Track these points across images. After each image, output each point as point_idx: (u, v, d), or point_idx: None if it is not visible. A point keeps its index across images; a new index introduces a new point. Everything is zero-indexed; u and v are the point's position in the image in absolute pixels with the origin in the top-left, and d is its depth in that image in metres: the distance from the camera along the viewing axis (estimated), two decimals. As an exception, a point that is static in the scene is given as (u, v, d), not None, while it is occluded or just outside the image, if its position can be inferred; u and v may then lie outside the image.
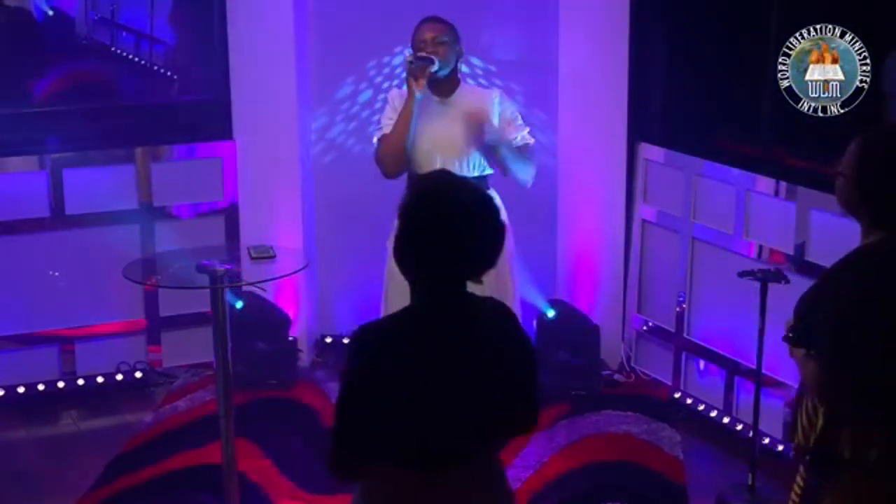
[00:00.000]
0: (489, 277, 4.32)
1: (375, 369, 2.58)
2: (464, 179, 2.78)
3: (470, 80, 5.64)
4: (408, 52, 4.41)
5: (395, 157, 4.32)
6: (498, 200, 4.31)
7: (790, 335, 2.92)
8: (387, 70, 5.79)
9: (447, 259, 2.60)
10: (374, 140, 4.46)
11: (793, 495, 3.06)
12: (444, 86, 4.37)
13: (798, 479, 3.05)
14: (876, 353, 2.71)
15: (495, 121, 4.34)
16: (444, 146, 4.30)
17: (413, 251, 2.63)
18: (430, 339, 2.62)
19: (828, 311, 2.78)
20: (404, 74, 4.36)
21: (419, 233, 2.61)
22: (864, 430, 2.79)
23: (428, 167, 4.24)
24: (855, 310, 2.73)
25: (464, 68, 5.61)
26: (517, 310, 4.48)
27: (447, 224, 2.58)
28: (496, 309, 2.76)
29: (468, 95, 4.43)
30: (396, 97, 4.42)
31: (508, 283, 4.43)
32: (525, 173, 4.40)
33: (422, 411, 2.57)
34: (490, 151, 4.30)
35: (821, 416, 2.86)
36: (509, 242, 4.46)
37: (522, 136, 4.42)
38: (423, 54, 4.28)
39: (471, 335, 2.65)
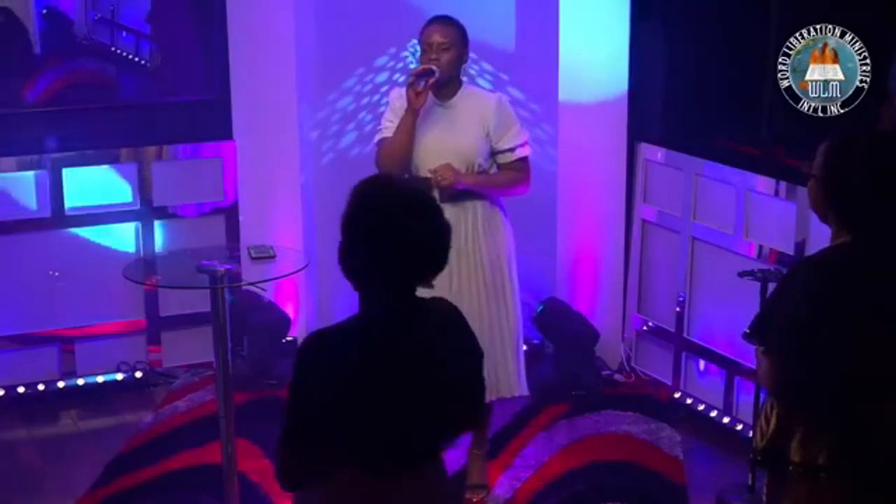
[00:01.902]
0: (491, 278, 4.35)
1: (324, 377, 2.57)
2: (404, 184, 2.77)
3: (479, 81, 5.65)
4: (411, 64, 4.36)
5: (393, 164, 4.28)
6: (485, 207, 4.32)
7: (747, 331, 2.95)
8: (387, 70, 5.78)
9: (389, 266, 2.59)
10: (375, 141, 4.45)
11: (763, 496, 3.09)
12: (446, 89, 4.35)
13: (766, 482, 3.07)
14: (823, 355, 2.73)
15: (491, 127, 4.31)
16: (444, 150, 4.28)
17: (355, 260, 2.63)
18: (378, 346, 2.61)
19: (783, 309, 2.80)
20: (407, 80, 4.31)
21: (360, 241, 2.61)
22: (813, 432, 2.80)
23: (423, 170, 4.25)
24: (805, 310, 2.75)
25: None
26: (518, 309, 4.49)
27: (386, 231, 2.57)
28: (445, 311, 2.75)
29: (469, 99, 4.39)
30: (397, 98, 4.39)
31: (507, 284, 4.43)
32: (514, 191, 4.42)
33: (371, 418, 2.57)
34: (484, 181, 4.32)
35: (774, 417, 2.87)
36: (510, 243, 4.46)
37: (514, 150, 4.36)
38: (424, 67, 4.24)
39: (418, 340, 2.64)
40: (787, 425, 2.83)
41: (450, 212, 2.76)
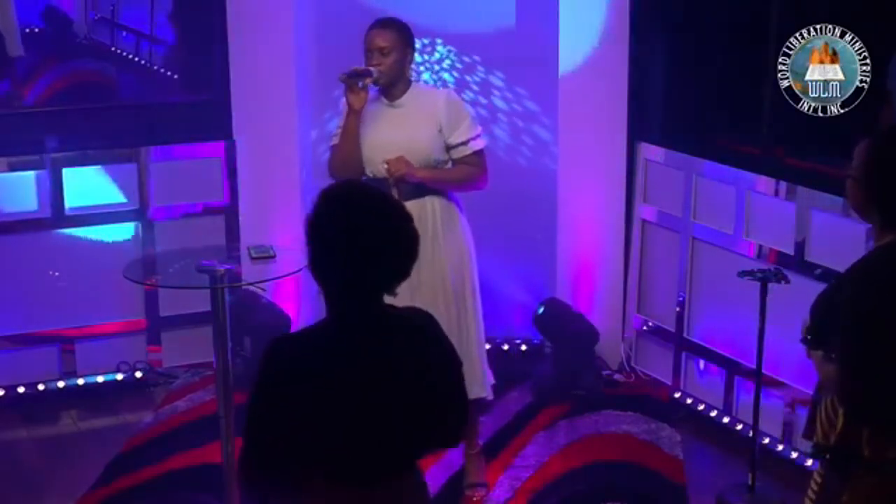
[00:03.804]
0: (451, 277, 4.27)
1: (287, 382, 2.54)
2: (371, 189, 2.71)
3: (479, 81, 5.64)
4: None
5: (346, 168, 4.27)
6: (445, 209, 4.30)
7: (808, 337, 2.92)
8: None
9: (354, 272, 2.54)
10: (327, 147, 4.44)
11: (809, 492, 3.07)
12: (393, 89, 4.33)
13: (816, 476, 3.06)
14: (888, 357, 2.71)
15: (443, 122, 4.29)
16: (392, 150, 4.24)
17: (320, 265, 2.57)
18: (343, 353, 2.56)
19: (845, 313, 2.78)
20: (341, 80, 4.27)
21: (324, 247, 2.55)
22: (883, 431, 2.79)
23: (380, 172, 4.23)
24: (871, 313, 2.73)
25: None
26: (479, 309, 4.44)
27: (351, 237, 2.52)
28: (416, 318, 2.69)
29: (417, 98, 4.36)
30: (345, 105, 4.37)
31: (468, 282, 4.39)
32: (469, 186, 4.39)
33: (335, 426, 2.53)
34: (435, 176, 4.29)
35: (840, 415, 2.86)
36: (469, 240, 4.42)
37: (468, 143, 4.33)
38: (359, 68, 4.23)
39: (386, 348, 2.59)
40: (856, 424, 2.83)
41: (408, 208, 2.70)
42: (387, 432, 2.57)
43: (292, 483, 2.60)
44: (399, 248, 2.58)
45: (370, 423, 2.55)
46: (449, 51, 5.72)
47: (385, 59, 4.26)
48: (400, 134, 4.27)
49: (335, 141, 4.37)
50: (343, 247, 2.52)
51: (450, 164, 4.37)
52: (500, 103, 5.77)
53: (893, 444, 2.78)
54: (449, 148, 4.33)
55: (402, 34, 4.32)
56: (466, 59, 5.73)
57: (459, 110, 4.37)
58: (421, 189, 4.26)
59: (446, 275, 4.30)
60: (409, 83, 4.38)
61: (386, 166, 4.20)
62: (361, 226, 2.53)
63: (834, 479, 2.95)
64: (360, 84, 4.24)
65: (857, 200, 2.90)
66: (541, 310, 5.70)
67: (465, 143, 4.34)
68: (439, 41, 5.71)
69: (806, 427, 3.05)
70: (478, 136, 4.38)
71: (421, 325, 2.68)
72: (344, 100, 4.37)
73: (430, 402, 2.61)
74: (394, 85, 4.32)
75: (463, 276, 4.37)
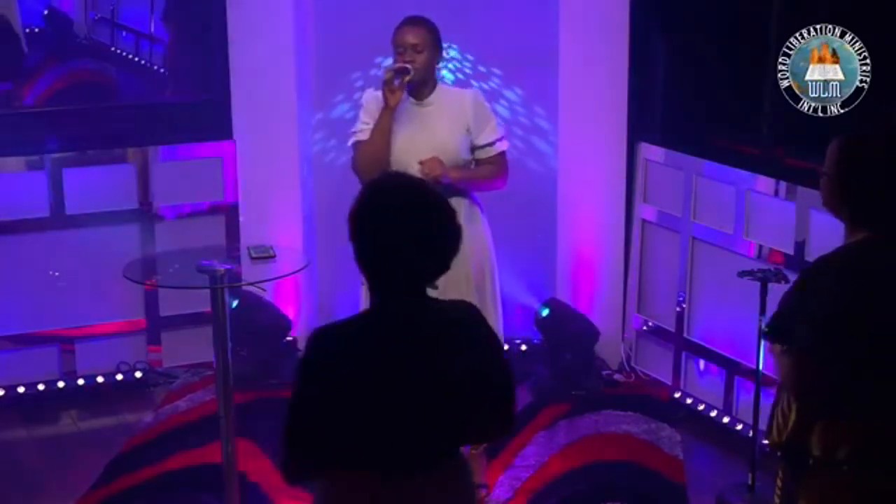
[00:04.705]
0: (469, 289, 4.29)
1: (331, 372, 2.56)
2: (417, 182, 2.74)
3: (478, 81, 5.65)
4: (386, 63, 4.34)
5: (373, 165, 4.25)
6: (467, 207, 4.31)
7: (765, 330, 2.95)
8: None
9: (400, 264, 2.57)
10: (350, 144, 4.44)
11: (777, 490, 3.09)
12: (421, 89, 4.34)
13: (777, 478, 3.08)
14: (850, 352, 2.74)
15: (470, 123, 4.31)
16: (420, 150, 4.26)
17: (363, 255, 2.61)
18: (385, 342, 2.59)
19: (806, 308, 2.80)
20: (383, 78, 4.28)
21: (371, 238, 2.58)
22: (834, 428, 2.81)
23: (404, 170, 4.23)
24: (829, 309, 2.75)
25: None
26: (499, 321, 4.47)
27: (398, 229, 2.55)
28: (461, 311, 2.72)
29: (445, 98, 4.38)
30: (372, 101, 4.37)
31: (488, 277, 4.40)
32: (493, 186, 4.42)
33: (376, 415, 2.55)
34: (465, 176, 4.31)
35: (793, 413, 2.87)
36: (489, 237, 4.43)
37: (494, 144, 4.37)
38: (398, 66, 4.24)
39: (429, 339, 2.62)
40: (807, 420, 2.84)
41: None
42: (427, 422, 2.59)
43: (334, 472, 2.62)
44: (444, 241, 2.62)
45: (405, 413, 2.57)
46: (449, 49, 5.71)
47: (417, 57, 4.26)
48: (428, 134, 4.29)
49: (360, 137, 4.36)
50: (390, 238, 2.56)
51: (473, 165, 4.39)
52: (500, 104, 5.76)
53: (842, 444, 2.79)
54: (475, 148, 4.36)
55: (434, 32, 4.34)
56: (468, 58, 5.73)
57: (486, 111, 4.42)
58: (449, 189, 4.26)
59: (469, 270, 4.31)
60: (435, 83, 4.40)
61: (420, 167, 4.19)
62: (408, 217, 2.57)
63: (789, 477, 2.97)
64: (398, 81, 4.23)
65: (828, 197, 2.91)
66: (541, 310, 5.70)
67: (491, 145, 4.38)
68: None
69: (767, 427, 3.07)
70: (503, 137, 4.43)
71: (463, 317, 2.71)
72: (366, 95, 4.41)
73: (471, 392, 2.63)
74: (423, 84, 4.32)
75: (484, 271, 4.38)
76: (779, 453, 2.98)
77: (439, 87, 4.41)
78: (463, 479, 2.77)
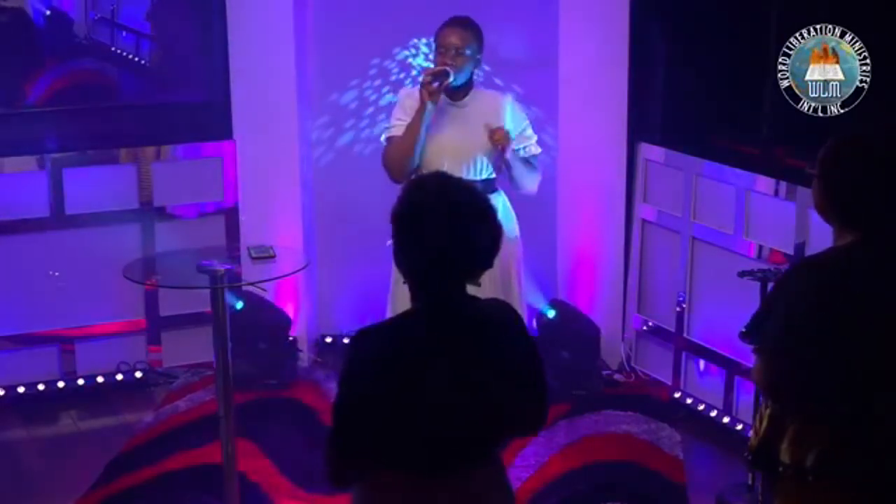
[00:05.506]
0: (494, 285, 4.33)
1: (374, 373, 2.56)
2: (459, 181, 2.74)
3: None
4: (416, 62, 4.34)
5: (402, 163, 4.29)
6: (503, 204, 4.34)
7: (742, 330, 2.95)
8: (388, 70, 5.78)
9: (439, 262, 2.57)
10: (383, 139, 4.45)
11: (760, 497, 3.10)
12: (458, 90, 4.35)
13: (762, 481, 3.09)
14: (818, 352, 2.73)
15: (508, 126, 4.32)
16: (453, 150, 4.29)
17: (406, 255, 2.61)
18: (429, 341, 2.59)
19: (779, 308, 2.81)
20: (420, 79, 4.31)
21: (414, 236, 2.59)
22: (803, 434, 2.80)
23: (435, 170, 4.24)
24: (796, 309, 2.76)
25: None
26: (524, 298, 4.50)
27: (438, 227, 2.56)
28: (499, 311, 2.72)
29: (481, 100, 4.40)
30: (407, 97, 4.39)
31: (514, 292, 4.41)
32: (530, 183, 4.44)
33: (421, 414, 2.56)
34: (500, 161, 4.30)
35: (766, 418, 2.87)
36: (518, 251, 4.46)
37: (530, 146, 4.43)
38: (440, 69, 4.24)
39: (470, 337, 2.62)
40: (778, 426, 2.84)
41: None
42: (463, 420, 2.58)
43: (376, 472, 2.62)
44: (487, 238, 2.63)
45: (449, 410, 2.56)
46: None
47: (459, 58, 4.26)
48: (463, 134, 4.30)
49: (393, 132, 4.36)
50: (437, 240, 2.55)
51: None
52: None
53: (811, 451, 2.78)
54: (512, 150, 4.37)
55: (478, 35, 4.34)
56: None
57: (522, 114, 4.45)
58: (488, 185, 4.29)
59: (495, 271, 4.32)
60: (472, 86, 4.40)
61: (490, 133, 4.20)
62: (454, 217, 2.57)
63: (766, 483, 2.98)
64: (436, 84, 4.23)
65: (817, 199, 2.91)
66: (551, 313, 5.67)
67: (526, 147, 4.41)
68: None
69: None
70: (536, 141, 4.46)
71: (501, 316, 2.70)
72: (402, 91, 4.46)
73: (507, 394, 2.62)
74: (461, 86, 4.33)
75: (510, 271, 4.38)
76: (749, 458, 2.98)
77: (475, 89, 4.42)
78: (495, 484, 2.76)
